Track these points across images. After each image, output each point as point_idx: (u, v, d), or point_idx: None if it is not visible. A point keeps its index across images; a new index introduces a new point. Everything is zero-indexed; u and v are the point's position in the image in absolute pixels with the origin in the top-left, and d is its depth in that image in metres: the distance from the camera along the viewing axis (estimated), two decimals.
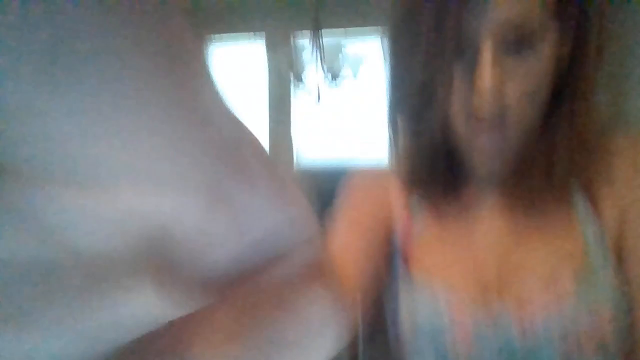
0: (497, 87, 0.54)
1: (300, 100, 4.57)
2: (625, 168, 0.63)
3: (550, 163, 0.61)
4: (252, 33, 4.82)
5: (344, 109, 4.51)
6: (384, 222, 0.72)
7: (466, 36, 0.55)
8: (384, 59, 0.64)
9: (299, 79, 3.37)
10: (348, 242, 0.70)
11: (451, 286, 0.65)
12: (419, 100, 0.60)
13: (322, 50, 3.42)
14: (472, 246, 0.67)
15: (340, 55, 3.28)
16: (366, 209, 0.73)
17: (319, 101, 3.52)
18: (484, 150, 0.59)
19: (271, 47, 4.73)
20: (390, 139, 0.69)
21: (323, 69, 3.33)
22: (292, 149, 4.76)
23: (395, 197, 0.73)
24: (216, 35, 4.95)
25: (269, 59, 4.68)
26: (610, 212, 0.63)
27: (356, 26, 4.41)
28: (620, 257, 0.62)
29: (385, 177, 0.75)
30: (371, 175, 0.77)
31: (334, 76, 3.38)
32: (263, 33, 4.78)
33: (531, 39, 0.54)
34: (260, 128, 4.90)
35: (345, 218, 0.73)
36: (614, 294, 0.59)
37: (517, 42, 0.54)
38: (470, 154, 0.62)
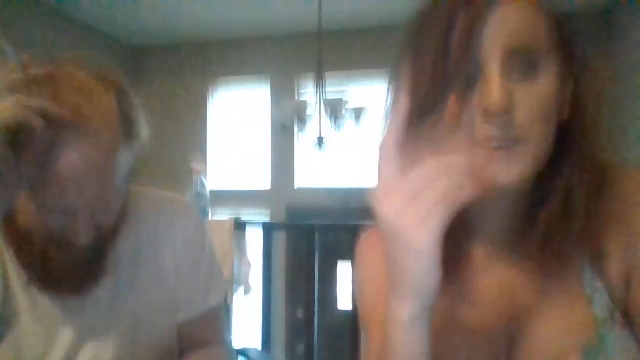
0: (507, 109, 0.53)
1: (303, 145, 4.68)
2: (632, 211, 0.61)
3: (563, 212, 0.59)
4: (257, 76, 4.98)
5: (346, 154, 4.59)
6: None
7: (474, 62, 0.54)
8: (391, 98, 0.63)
9: (302, 123, 3.45)
10: (378, 304, 0.67)
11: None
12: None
13: (325, 96, 3.53)
14: (479, 325, 0.63)
15: (343, 101, 3.38)
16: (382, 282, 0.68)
17: (321, 147, 3.57)
18: (490, 179, 0.55)
19: (276, 92, 4.83)
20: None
21: (327, 115, 3.43)
22: (292, 186, 4.84)
23: None
24: (222, 79, 5.07)
25: (273, 103, 4.76)
26: (618, 266, 0.60)
27: (359, 69, 4.57)
28: (627, 316, 0.60)
29: None
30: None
31: (337, 122, 3.46)
32: (268, 76, 4.93)
33: (535, 67, 0.55)
34: (261, 170, 4.99)
35: (367, 280, 0.73)
36: None
37: (522, 69, 0.54)
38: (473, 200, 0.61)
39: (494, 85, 0.53)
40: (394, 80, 0.63)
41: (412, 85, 0.56)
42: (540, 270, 0.61)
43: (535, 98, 0.55)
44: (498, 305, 0.64)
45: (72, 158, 0.72)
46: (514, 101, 0.54)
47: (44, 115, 0.68)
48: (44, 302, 0.85)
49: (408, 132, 0.54)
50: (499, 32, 0.54)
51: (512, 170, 0.55)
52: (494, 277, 0.65)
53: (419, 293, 0.52)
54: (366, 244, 0.76)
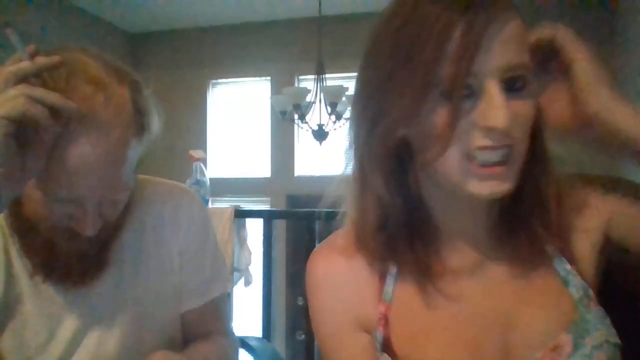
0: (510, 127, 0.54)
1: (303, 140, 4.68)
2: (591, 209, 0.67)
3: (528, 221, 0.64)
4: (257, 63, 4.96)
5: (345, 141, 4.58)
6: (359, 308, 0.67)
7: (471, 79, 0.55)
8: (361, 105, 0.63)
9: (302, 110, 3.44)
10: (338, 342, 0.68)
11: None
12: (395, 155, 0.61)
13: (325, 83, 3.52)
14: (465, 326, 0.64)
15: (343, 88, 3.37)
16: (340, 299, 0.68)
17: (321, 135, 3.57)
18: (481, 194, 0.57)
19: (275, 78, 4.84)
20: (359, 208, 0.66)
21: (327, 110, 3.43)
22: (293, 174, 4.84)
23: (365, 278, 0.68)
24: (221, 65, 5.06)
25: (272, 90, 4.76)
26: (581, 248, 0.67)
27: (359, 56, 4.55)
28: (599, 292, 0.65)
29: (350, 253, 0.68)
30: (337, 248, 0.70)
31: (337, 117, 3.46)
32: (268, 63, 4.92)
33: (524, 82, 0.56)
34: (262, 157, 4.99)
35: (322, 310, 0.70)
36: (606, 338, 0.61)
37: (516, 85, 0.56)
38: (450, 209, 0.64)
39: (497, 104, 0.54)
40: (366, 82, 0.63)
41: (396, 92, 0.57)
42: (517, 263, 0.65)
43: (524, 112, 0.57)
44: (483, 302, 0.65)
45: (82, 149, 0.71)
46: (510, 114, 0.55)
47: (51, 107, 0.67)
48: (48, 290, 0.85)
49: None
50: (499, 47, 0.54)
51: (505, 184, 0.58)
52: (475, 275, 0.66)
53: None
54: (317, 263, 0.72)
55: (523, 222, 0.64)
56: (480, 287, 0.65)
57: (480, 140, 0.56)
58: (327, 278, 0.70)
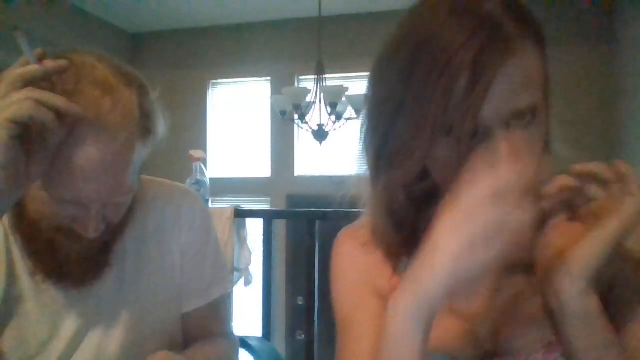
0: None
1: (303, 140, 4.68)
2: None
3: None
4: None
5: (346, 141, 4.58)
6: (377, 278, 0.71)
7: (480, 125, 0.55)
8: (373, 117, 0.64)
9: (302, 110, 3.44)
10: (357, 304, 0.70)
11: (451, 356, 0.64)
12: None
13: (325, 83, 3.52)
14: (466, 314, 0.66)
15: (342, 88, 3.37)
16: (360, 271, 0.73)
17: (321, 135, 3.57)
18: None
19: (276, 78, 4.84)
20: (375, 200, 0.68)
21: (327, 111, 3.43)
22: (293, 173, 4.84)
23: (382, 263, 0.71)
24: (222, 65, 5.05)
25: (272, 90, 4.76)
26: None
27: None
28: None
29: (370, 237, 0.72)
30: (359, 235, 0.74)
31: (337, 117, 3.46)
32: (268, 63, 4.92)
33: (535, 114, 0.56)
34: (262, 157, 4.99)
35: (348, 279, 0.74)
36: None
37: (525, 122, 0.56)
38: None
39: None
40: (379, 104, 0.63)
41: (404, 127, 0.59)
42: (515, 265, 0.64)
43: (536, 140, 0.58)
44: (484, 297, 0.66)
45: (88, 152, 0.71)
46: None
47: (57, 110, 0.67)
48: (49, 289, 0.85)
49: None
50: (505, 94, 0.54)
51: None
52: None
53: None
54: (342, 242, 0.77)
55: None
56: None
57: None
58: (351, 252, 0.75)
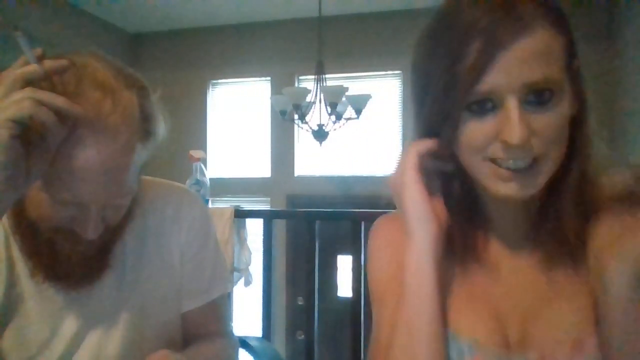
0: (527, 142, 0.57)
1: (303, 140, 4.68)
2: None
3: (562, 220, 0.64)
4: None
5: (345, 141, 4.59)
6: None
7: (493, 94, 0.57)
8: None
9: (302, 110, 3.44)
10: (391, 280, 0.74)
11: (476, 341, 0.66)
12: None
13: (325, 83, 3.51)
14: (496, 302, 0.68)
15: (342, 88, 3.37)
16: (395, 249, 0.75)
17: (321, 135, 3.57)
18: (503, 195, 0.62)
19: (276, 78, 4.84)
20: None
21: (327, 111, 3.43)
22: (292, 174, 4.84)
23: None
24: (222, 65, 5.05)
25: (272, 90, 4.76)
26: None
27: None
28: None
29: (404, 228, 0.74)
30: (396, 221, 0.76)
31: (337, 117, 3.46)
32: (268, 63, 4.92)
33: (551, 94, 0.58)
34: (262, 158, 4.98)
35: (383, 257, 0.79)
36: None
37: (539, 100, 0.57)
38: (490, 199, 0.67)
39: (514, 120, 0.57)
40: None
41: (429, 105, 0.63)
42: (550, 255, 0.67)
43: (552, 124, 0.59)
44: (514, 285, 0.69)
45: (88, 153, 0.71)
46: (532, 129, 0.58)
47: (57, 110, 0.67)
48: (49, 290, 0.85)
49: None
50: (517, 65, 0.56)
51: (527, 188, 0.61)
52: (511, 260, 0.71)
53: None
54: (380, 227, 0.82)
55: (559, 218, 0.65)
56: (514, 272, 0.70)
57: (499, 152, 0.60)
58: (388, 235, 0.79)
